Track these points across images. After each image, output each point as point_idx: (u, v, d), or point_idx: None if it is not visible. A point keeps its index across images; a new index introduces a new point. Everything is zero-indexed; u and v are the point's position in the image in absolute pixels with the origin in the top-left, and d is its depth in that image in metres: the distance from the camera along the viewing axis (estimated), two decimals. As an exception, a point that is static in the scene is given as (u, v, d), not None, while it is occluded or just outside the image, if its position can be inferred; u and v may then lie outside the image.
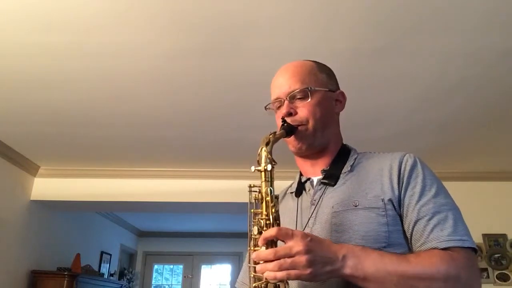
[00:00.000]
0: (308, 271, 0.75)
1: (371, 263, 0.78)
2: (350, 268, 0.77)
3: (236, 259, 7.11)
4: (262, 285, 0.80)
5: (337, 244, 0.81)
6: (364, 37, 1.95)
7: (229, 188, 3.71)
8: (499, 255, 3.58)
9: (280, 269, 0.75)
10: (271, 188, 0.85)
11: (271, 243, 0.79)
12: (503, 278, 3.53)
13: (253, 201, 0.88)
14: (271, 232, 0.78)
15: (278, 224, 0.84)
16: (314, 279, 0.77)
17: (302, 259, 0.74)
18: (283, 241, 0.78)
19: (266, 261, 0.76)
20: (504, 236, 3.64)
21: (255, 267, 0.80)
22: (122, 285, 5.62)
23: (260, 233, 0.82)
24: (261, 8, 1.77)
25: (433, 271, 0.77)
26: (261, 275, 0.78)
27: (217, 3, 1.74)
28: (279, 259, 0.75)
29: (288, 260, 0.75)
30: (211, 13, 1.80)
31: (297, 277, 0.76)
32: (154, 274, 7.32)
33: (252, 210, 0.88)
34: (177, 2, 1.74)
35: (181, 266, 7.34)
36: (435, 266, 0.78)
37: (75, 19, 1.84)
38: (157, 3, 1.75)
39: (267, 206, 0.85)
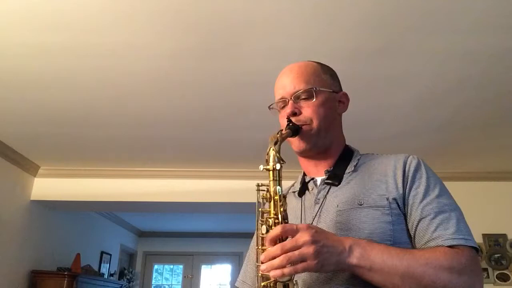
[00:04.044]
0: (315, 261, 0.75)
1: (378, 254, 0.79)
2: (356, 258, 0.78)
3: (236, 259, 7.11)
4: (271, 284, 0.79)
5: (341, 236, 0.83)
6: (364, 37, 1.95)
7: (229, 188, 3.70)
8: (499, 255, 3.58)
9: (289, 261, 0.74)
10: (279, 187, 0.85)
11: (279, 242, 0.78)
12: (503, 278, 3.53)
13: (261, 200, 0.88)
14: (276, 231, 0.78)
15: (287, 223, 0.84)
16: (321, 270, 0.77)
17: (310, 249, 0.75)
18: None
19: (274, 258, 0.76)
20: (504, 236, 3.64)
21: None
22: (122, 285, 5.62)
23: (268, 232, 0.81)
24: (261, 8, 1.77)
25: (437, 264, 0.78)
26: (267, 274, 0.77)
27: (217, 3, 1.74)
28: (286, 252, 0.75)
29: (296, 252, 0.75)
30: (211, 13, 1.80)
31: (304, 270, 0.76)
32: (154, 274, 7.31)
33: (260, 209, 0.87)
34: (177, 2, 1.74)
35: (181, 266, 7.34)
36: (440, 259, 0.79)
37: (75, 19, 1.84)
38: (157, 3, 1.75)
39: (275, 205, 0.84)
